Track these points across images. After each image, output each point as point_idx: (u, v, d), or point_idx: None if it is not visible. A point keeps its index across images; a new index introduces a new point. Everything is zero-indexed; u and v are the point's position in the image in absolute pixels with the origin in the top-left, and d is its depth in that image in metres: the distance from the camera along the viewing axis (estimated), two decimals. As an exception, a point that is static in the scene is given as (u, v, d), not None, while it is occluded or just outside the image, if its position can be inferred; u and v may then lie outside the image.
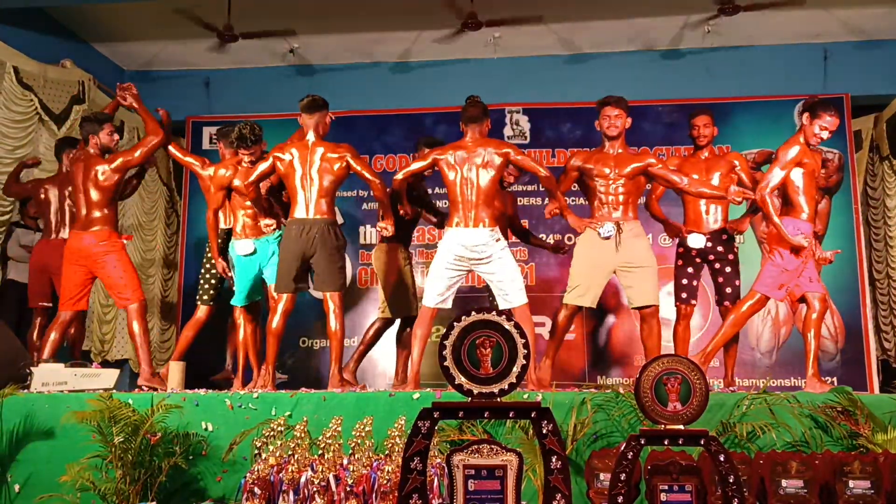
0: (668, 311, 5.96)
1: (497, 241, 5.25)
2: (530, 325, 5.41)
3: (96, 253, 5.46)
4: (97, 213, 5.51)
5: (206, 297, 6.01)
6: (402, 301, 6.07)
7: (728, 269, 5.73)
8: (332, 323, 5.29)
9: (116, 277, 5.48)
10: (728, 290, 5.69)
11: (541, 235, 7.55)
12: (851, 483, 3.30)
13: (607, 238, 5.30)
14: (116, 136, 5.92)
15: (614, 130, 5.36)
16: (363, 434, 3.40)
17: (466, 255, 5.23)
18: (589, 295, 5.39)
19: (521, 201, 7.90)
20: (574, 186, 5.64)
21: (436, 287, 5.30)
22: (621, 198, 5.35)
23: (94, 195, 5.51)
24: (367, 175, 5.36)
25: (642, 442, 2.83)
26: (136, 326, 5.51)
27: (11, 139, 6.70)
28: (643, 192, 5.62)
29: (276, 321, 5.33)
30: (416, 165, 5.48)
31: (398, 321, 6.18)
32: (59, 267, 5.75)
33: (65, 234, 6.19)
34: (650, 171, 5.38)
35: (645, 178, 5.46)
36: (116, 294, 5.56)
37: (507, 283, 5.27)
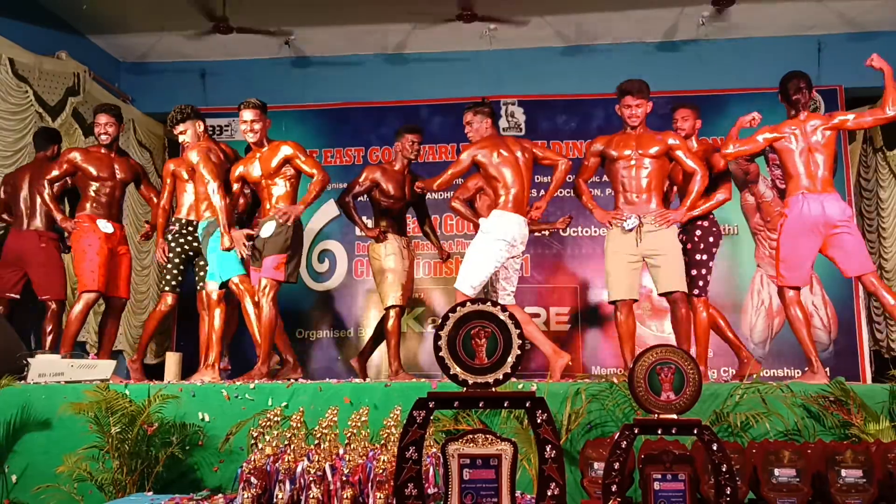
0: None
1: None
2: (525, 317, 5.47)
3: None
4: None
5: (173, 284, 6.10)
6: (388, 290, 6.08)
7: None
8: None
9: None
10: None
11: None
12: (844, 472, 3.31)
13: (630, 230, 5.27)
14: (110, 129, 5.99)
15: (635, 121, 5.33)
16: (359, 424, 3.42)
17: (518, 240, 5.36)
18: (627, 288, 5.33)
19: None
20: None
21: (482, 272, 5.32)
22: (644, 182, 5.30)
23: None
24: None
25: (636, 431, 2.84)
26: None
27: (8, 132, 6.68)
28: (667, 174, 5.53)
29: (274, 312, 5.40)
30: (458, 168, 5.51)
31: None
32: (32, 258, 6.03)
33: (37, 224, 6.21)
34: (670, 153, 5.33)
35: (669, 160, 5.40)
36: None
37: (515, 278, 5.51)
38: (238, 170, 5.62)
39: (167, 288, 6.10)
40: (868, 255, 5.21)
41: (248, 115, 5.48)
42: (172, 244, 6.10)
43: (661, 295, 5.45)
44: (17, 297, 6.13)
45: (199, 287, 6.08)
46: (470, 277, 5.30)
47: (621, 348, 5.40)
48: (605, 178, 5.95)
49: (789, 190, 5.12)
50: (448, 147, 8.37)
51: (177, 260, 6.08)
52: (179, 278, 6.10)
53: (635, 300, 5.42)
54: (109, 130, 6.01)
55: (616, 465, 2.81)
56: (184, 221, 6.11)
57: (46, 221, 6.22)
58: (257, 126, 5.49)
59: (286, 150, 5.48)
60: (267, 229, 5.42)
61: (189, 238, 6.06)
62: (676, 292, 5.30)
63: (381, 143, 8.53)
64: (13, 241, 6.21)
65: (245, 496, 3.22)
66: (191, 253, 6.10)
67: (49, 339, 5.98)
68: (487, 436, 2.61)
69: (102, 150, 6.06)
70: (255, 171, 5.53)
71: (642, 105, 5.31)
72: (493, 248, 5.31)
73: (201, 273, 6.03)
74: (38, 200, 6.21)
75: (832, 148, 5.10)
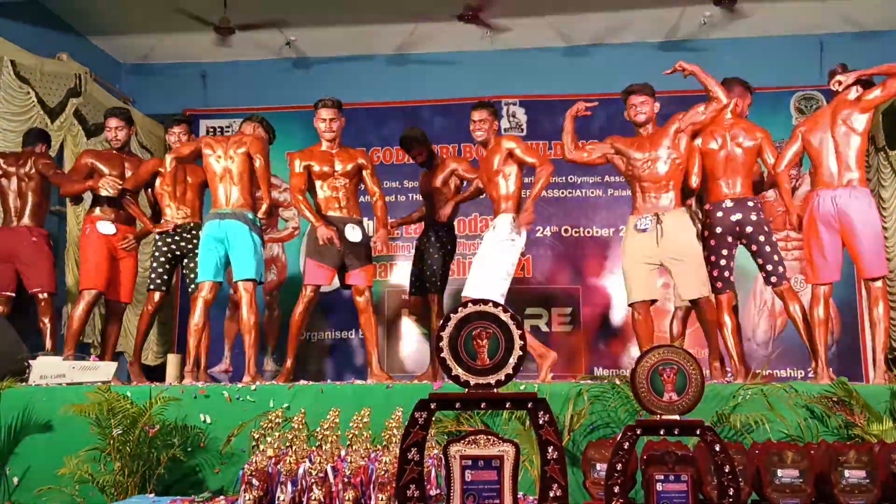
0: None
1: None
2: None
3: None
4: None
5: (158, 283, 6.08)
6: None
7: None
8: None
9: None
10: None
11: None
12: (847, 473, 3.31)
13: (643, 231, 5.21)
14: (121, 133, 6.04)
15: (642, 116, 5.32)
16: (361, 425, 3.41)
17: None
18: (645, 289, 5.27)
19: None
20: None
21: (508, 280, 5.36)
22: (662, 181, 5.25)
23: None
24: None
25: (638, 432, 2.83)
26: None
27: (12, 133, 6.68)
28: (685, 170, 5.43)
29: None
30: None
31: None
32: (22, 253, 5.99)
33: (26, 221, 6.14)
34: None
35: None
36: None
37: None
38: (303, 164, 5.63)
39: (152, 287, 6.09)
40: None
41: (326, 113, 5.60)
42: (160, 243, 6.09)
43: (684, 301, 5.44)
44: (13, 294, 6.07)
45: (191, 290, 6.02)
46: (500, 286, 5.28)
47: (640, 349, 5.33)
48: (617, 178, 5.91)
49: (815, 182, 5.10)
50: (450, 148, 8.35)
51: (162, 259, 6.07)
52: (165, 277, 6.09)
53: (653, 301, 5.37)
54: (120, 136, 6.07)
55: (618, 466, 2.80)
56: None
57: (36, 218, 6.18)
58: (335, 125, 5.61)
59: (361, 160, 5.71)
60: (355, 234, 5.58)
61: (177, 238, 6.06)
62: (701, 298, 5.23)
63: (381, 144, 8.54)
64: (2, 238, 6.09)
65: (247, 498, 3.21)
66: (178, 254, 6.10)
67: (48, 331, 5.96)
68: (489, 437, 2.60)
69: (114, 153, 6.12)
70: (326, 167, 5.62)
71: (647, 103, 5.33)
72: (514, 254, 5.36)
73: (192, 276, 6.01)
74: (28, 196, 6.15)
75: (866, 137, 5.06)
